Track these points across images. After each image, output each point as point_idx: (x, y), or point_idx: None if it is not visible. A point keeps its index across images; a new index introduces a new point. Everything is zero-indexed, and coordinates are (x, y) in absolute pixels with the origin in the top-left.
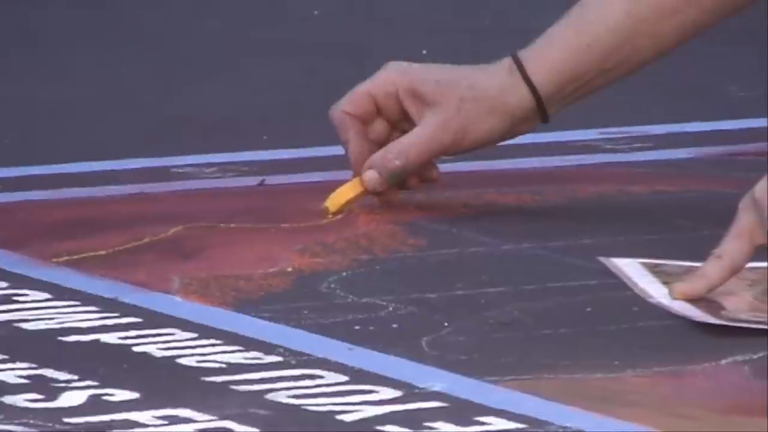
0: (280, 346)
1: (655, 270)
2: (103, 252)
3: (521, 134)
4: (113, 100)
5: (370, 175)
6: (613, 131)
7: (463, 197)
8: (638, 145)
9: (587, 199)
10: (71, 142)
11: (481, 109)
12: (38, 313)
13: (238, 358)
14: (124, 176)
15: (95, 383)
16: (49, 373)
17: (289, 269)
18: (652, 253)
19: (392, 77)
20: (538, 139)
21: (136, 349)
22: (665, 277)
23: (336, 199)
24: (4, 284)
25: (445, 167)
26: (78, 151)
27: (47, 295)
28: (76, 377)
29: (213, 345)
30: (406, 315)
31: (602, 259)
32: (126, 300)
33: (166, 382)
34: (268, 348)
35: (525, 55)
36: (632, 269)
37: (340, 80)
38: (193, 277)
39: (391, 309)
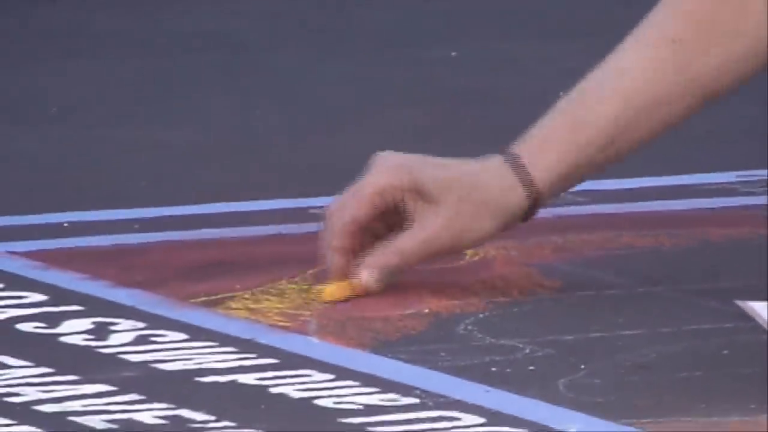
0: (416, 388)
1: None
2: (240, 293)
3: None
4: (247, 144)
5: (367, 275)
6: (750, 174)
7: (600, 239)
8: None
9: (723, 242)
10: (209, 183)
11: (480, 210)
12: (175, 353)
13: (375, 399)
14: (261, 217)
15: (232, 424)
16: (186, 413)
17: (426, 311)
18: None
19: (394, 172)
20: (674, 182)
21: (273, 390)
22: None
23: (335, 293)
24: (141, 324)
25: (582, 209)
26: (216, 192)
27: (184, 336)
28: (213, 418)
29: (350, 386)
30: (542, 357)
31: (738, 302)
32: (263, 341)
33: (303, 424)
34: (405, 390)
35: (522, 153)
36: None
37: (475, 124)
38: (329, 318)
39: (527, 351)
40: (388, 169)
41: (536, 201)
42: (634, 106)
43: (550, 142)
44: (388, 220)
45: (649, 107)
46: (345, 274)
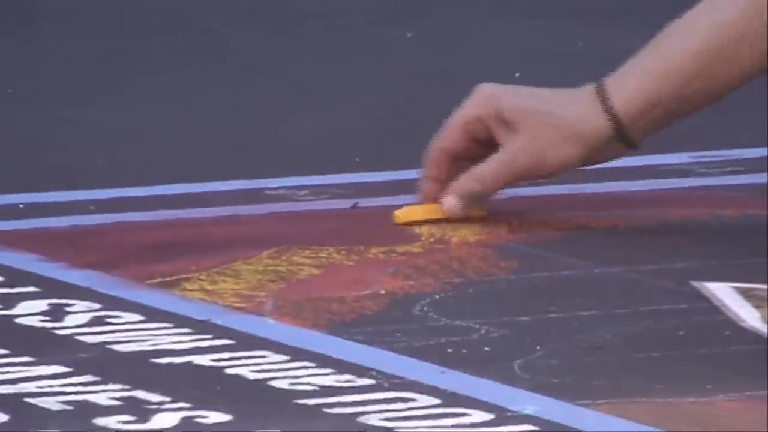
0: (372, 369)
1: (747, 294)
2: (196, 274)
3: (605, 161)
4: (205, 124)
5: (449, 200)
6: (705, 155)
7: (555, 220)
8: (729, 169)
9: (679, 223)
10: (165, 164)
11: (558, 135)
12: (131, 334)
13: (331, 380)
14: (217, 198)
15: (187, 405)
16: (141, 394)
17: (382, 292)
18: (744, 277)
19: (481, 102)
20: (630, 163)
21: (228, 371)
22: (757, 301)
23: (408, 214)
24: (97, 306)
25: (537, 190)
26: (171, 173)
27: (140, 317)
28: (168, 399)
29: (305, 367)
30: (498, 338)
31: (694, 283)
32: (218, 322)
33: (258, 405)
34: (360, 371)
35: (608, 82)
36: (724, 293)
37: (432, 104)
38: (285, 299)
39: (483, 332)
40: (476, 100)
41: (620, 127)
42: (722, 39)
43: (636, 69)
44: (488, 149)
45: (736, 41)
46: (433, 201)
